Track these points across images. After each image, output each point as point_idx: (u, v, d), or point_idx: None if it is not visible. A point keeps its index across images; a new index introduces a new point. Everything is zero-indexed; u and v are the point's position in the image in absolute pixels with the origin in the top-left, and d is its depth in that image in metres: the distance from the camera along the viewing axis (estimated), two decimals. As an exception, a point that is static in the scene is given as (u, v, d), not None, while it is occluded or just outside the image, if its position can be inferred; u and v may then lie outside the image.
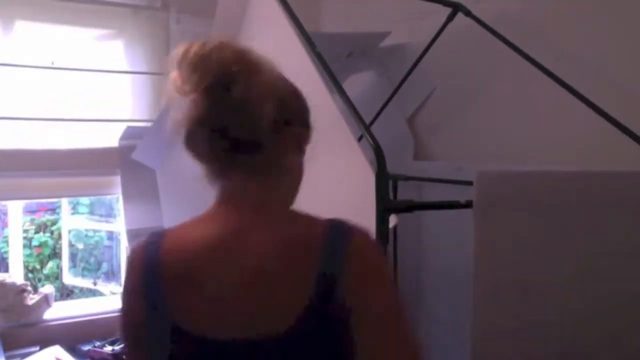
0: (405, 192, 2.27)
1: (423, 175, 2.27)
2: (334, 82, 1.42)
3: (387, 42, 2.59)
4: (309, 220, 0.93)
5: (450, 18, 2.19)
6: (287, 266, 0.88)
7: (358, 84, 2.74)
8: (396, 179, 2.30)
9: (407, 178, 2.23)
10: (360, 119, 1.33)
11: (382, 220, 1.15)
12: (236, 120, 0.89)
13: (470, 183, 2.08)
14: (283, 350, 0.85)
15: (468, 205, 1.29)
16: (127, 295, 0.96)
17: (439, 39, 2.27)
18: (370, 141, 1.25)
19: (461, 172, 2.13)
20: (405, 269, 2.40)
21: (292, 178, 1.01)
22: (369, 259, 0.89)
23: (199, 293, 0.89)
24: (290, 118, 0.96)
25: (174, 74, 0.93)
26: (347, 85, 2.69)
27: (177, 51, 0.95)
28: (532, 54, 1.87)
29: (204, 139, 0.90)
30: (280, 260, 0.88)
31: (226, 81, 0.88)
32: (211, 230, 0.92)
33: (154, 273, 0.91)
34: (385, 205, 1.16)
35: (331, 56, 2.33)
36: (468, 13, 2.08)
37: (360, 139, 2.57)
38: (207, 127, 0.90)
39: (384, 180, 1.17)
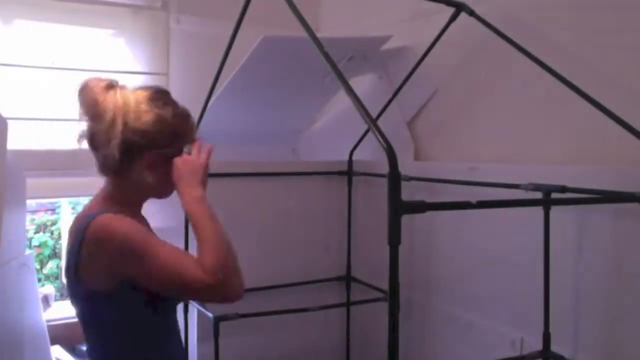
0: (411, 192, 2.27)
1: (428, 175, 2.27)
2: (342, 80, 1.42)
3: (389, 44, 2.59)
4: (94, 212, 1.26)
5: (453, 18, 2.18)
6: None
7: (359, 86, 2.75)
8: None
9: (410, 178, 2.23)
10: (370, 117, 1.32)
11: (395, 220, 1.15)
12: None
13: (476, 183, 2.09)
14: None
15: (480, 205, 1.28)
16: None
17: (440, 40, 2.27)
18: (381, 141, 1.23)
19: (474, 172, 2.13)
20: (415, 266, 2.41)
21: (135, 185, 1.32)
22: (93, 247, 1.22)
23: None
24: (150, 147, 1.28)
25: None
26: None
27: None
28: (534, 54, 1.87)
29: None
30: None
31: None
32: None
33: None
34: (398, 206, 1.15)
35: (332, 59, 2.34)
36: (472, 13, 2.08)
37: (363, 136, 2.58)
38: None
39: (397, 181, 1.16)
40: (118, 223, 1.21)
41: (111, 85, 1.29)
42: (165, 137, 1.30)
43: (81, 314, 1.29)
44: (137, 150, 1.27)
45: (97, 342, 1.29)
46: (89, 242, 1.20)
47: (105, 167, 1.29)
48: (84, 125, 1.32)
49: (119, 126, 1.24)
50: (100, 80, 1.29)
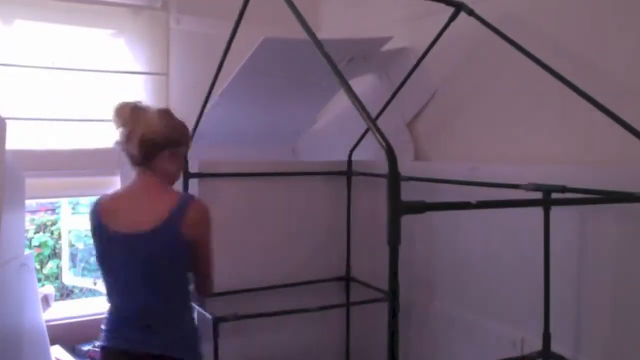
0: (411, 193, 2.27)
1: (428, 175, 2.27)
2: (342, 80, 1.42)
3: (389, 45, 2.58)
4: (170, 192, 1.82)
5: (452, 17, 2.18)
6: (155, 208, 1.75)
7: (359, 86, 2.74)
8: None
9: (409, 179, 2.23)
10: (370, 118, 1.32)
11: (394, 220, 1.15)
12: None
13: (476, 184, 2.09)
14: (147, 239, 1.72)
15: (480, 205, 1.28)
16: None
17: (440, 41, 2.27)
18: (381, 141, 1.24)
19: (475, 172, 2.13)
20: (416, 267, 2.40)
21: (167, 173, 1.82)
22: (194, 219, 1.75)
23: (117, 216, 1.77)
24: (164, 147, 1.78)
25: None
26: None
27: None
28: (534, 53, 1.87)
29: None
30: (155, 206, 1.76)
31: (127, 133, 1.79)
32: (127, 190, 1.86)
33: (95, 209, 1.81)
34: (398, 206, 1.15)
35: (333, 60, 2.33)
36: (471, 12, 2.08)
37: (363, 136, 2.58)
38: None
39: (396, 182, 1.16)
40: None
41: (135, 107, 1.81)
42: (175, 138, 1.82)
43: (169, 254, 1.75)
44: (155, 148, 1.77)
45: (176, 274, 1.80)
46: (194, 212, 1.75)
47: (134, 160, 1.80)
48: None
49: (139, 132, 1.76)
50: (128, 103, 1.81)
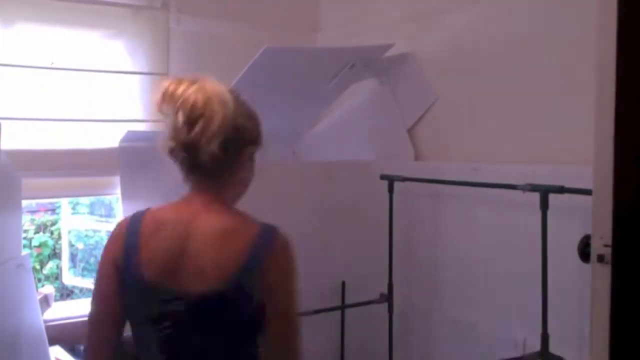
0: (411, 193, 2.27)
1: (429, 176, 2.27)
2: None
3: (390, 50, 2.57)
4: (246, 219, 1.25)
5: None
6: (220, 249, 1.19)
7: (360, 91, 2.74)
8: (392, 179, 2.30)
9: (404, 179, 2.22)
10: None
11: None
12: (192, 151, 1.19)
13: (472, 184, 2.09)
14: (210, 306, 1.17)
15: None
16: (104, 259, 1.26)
17: (441, 45, 2.24)
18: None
19: (476, 172, 2.12)
20: (417, 268, 2.40)
21: (238, 184, 1.30)
22: (281, 267, 1.24)
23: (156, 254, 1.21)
24: (240, 143, 1.25)
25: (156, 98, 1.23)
26: (348, 92, 2.69)
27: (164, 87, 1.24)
28: (531, 55, 1.86)
29: (179, 156, 1.22)
30: (216, 242, 1.19)
31: (191, 122, 1.18)
32: (175, 213, 1.24)
33: (134, 238, 1.22)
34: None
35: (334, 68, 2.33)
36: None
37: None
38: (180, 150, 1.20)
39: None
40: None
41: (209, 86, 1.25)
42: (259, 131, 1.35)
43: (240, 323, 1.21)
44: (237, 147, 1.25)
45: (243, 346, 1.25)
46: (282, 257, 1.25)
47: (198, 167, 1.21)
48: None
49: (218, 123, 1.19)
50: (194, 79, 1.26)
